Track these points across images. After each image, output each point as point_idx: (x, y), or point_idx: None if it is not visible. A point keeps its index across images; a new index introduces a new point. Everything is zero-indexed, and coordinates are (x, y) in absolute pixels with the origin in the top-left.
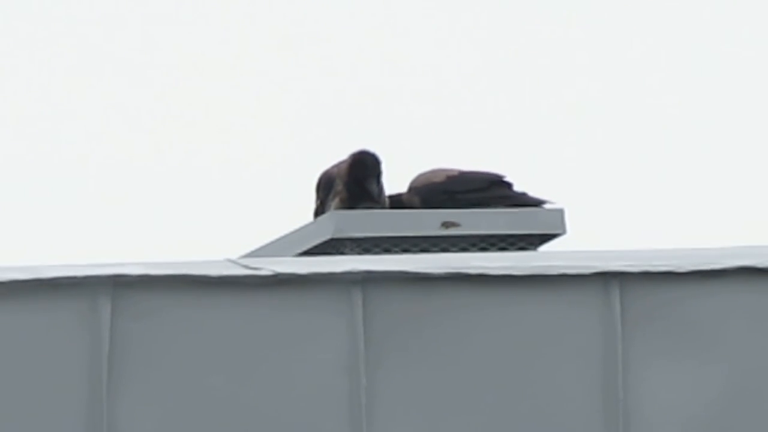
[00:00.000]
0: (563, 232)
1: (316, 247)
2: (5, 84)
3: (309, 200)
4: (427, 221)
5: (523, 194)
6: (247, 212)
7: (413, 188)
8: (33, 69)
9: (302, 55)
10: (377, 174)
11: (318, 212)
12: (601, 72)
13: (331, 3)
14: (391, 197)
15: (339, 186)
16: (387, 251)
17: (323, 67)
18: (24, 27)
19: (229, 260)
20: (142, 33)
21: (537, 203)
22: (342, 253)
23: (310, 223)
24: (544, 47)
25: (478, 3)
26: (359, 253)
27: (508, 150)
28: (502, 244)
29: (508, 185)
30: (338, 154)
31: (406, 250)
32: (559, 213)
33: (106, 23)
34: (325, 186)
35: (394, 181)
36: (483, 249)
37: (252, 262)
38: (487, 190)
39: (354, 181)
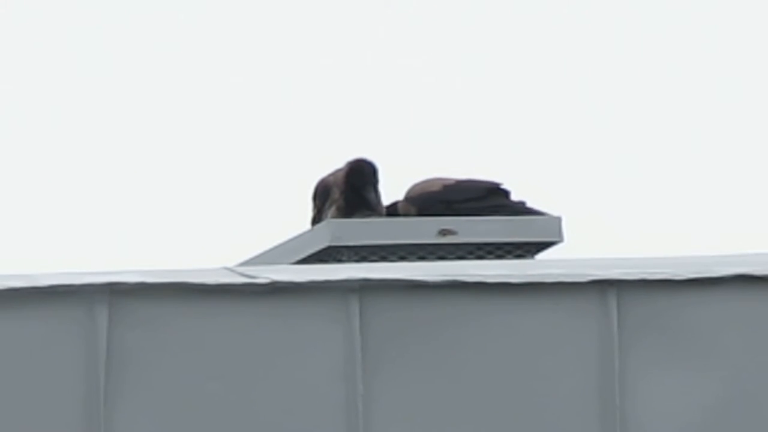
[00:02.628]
0: (560, 240)
1: (313, 255)
2: (1, 90)
3: (306, 208)
4: (424, 229)
5: (521, 203)
6: (244, 220)
7: (409, 198)
8: (27, 74)
9: (299, 63)
10: (374, 182)
11: (315, 220)
12: (599, 80)
13: (328, 12)
14: (386, 207)
15: (336, 194)
16: (384, 259)
17: (321, 75)
18: (20, 26)
19: (226, 268)
20: (137, 39)
21: (534, 214)
22: (339, 261)
23: (307, 231)
24: (541, 55)
25: (475, 13)
26: (356, 261)
27: (505, 158)
28: (499, 252)
29: (506, 194)
30: (335, 162)
31: (403, 258)
32: (557, 221)
33: (103, 26)
34: (322, 194)
35: (391, 190)
36: (480, 257)
37: (249, 270)
38: (484, 199)
39: (351, 189)
